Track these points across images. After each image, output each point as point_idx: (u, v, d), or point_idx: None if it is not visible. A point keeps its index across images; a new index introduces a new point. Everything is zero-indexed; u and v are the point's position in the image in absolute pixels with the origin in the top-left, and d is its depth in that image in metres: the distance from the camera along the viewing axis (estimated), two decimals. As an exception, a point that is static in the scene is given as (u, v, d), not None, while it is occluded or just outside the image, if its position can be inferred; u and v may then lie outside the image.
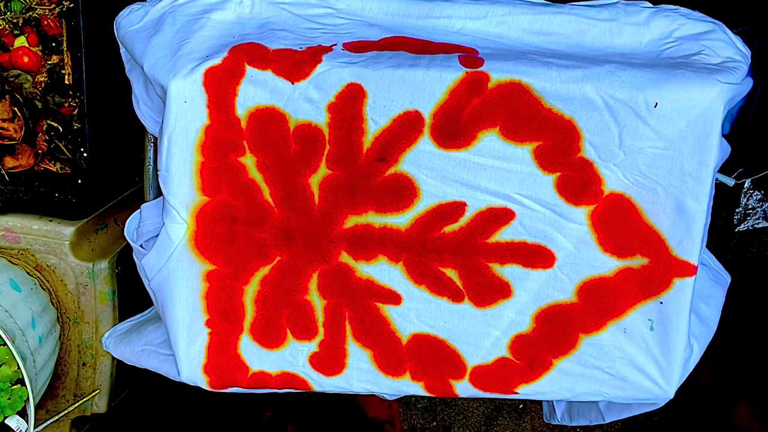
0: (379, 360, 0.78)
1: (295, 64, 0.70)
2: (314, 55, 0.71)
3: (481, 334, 0.77)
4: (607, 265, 0.74)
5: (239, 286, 0.77)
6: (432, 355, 0.77)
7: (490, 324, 0.76)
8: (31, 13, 0.86)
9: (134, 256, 0.81)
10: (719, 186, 0.78)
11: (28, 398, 0.80)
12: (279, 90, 0.71)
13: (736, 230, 1.39)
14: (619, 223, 0.73)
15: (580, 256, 0.74)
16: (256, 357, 0.78)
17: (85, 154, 0.89)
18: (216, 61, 0.71)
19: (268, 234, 0.75)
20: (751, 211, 1.38)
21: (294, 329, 0.78)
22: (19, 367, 0.78)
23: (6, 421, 0.80)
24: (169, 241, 0.74)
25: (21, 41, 0.88)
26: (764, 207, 1.37)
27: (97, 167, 0.90)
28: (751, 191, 1.38)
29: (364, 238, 0.75)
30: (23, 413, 0.81)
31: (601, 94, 0.69)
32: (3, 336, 0.78)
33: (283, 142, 0.72)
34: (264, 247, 0.76)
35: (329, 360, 0.78)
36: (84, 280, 0.93)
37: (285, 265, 0.76)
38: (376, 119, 0.71)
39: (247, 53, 0.71)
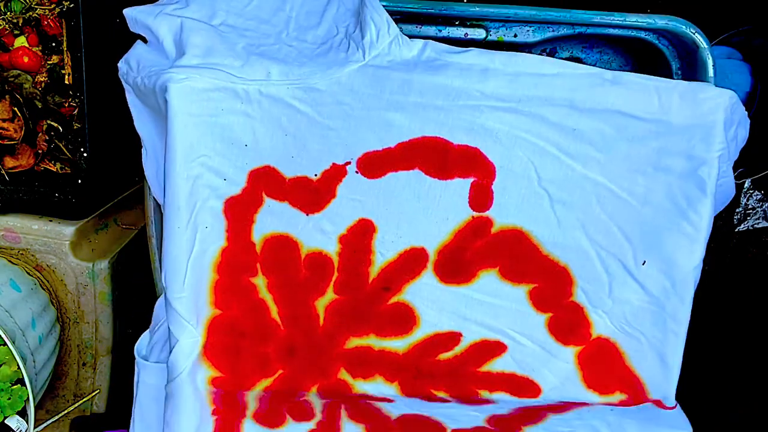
0: (370, 430, 0.82)
1: (311, 196, 0.74)
2: (329, 184, 0.73)
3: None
4: (588, 399, 0.80)
5: (242, 392, 0.80)
6: (419, 426, 0.81)
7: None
8: (31, 13, 0.87)
9: (139, 374, 0.82)
10: (719, 186, 0.77)
11: (28, 398, 0.80)
12: (294, 220, 0.74)
13: (736, 230, 1.39)
14: (604, 365, 0.78)
15: (565, 390, 0.79)
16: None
17: (85, 154, 0.89)
18: (235, 190, 0.73)
19: (272, 349, 0.79)
20: (751, 211, 1.38)
21: (294, 416, 0.81)
22: (19, 367, 0.79)
23: (6, 421, 0.80)
24: (183, 354, 0.77)
25: (21, 41, 0.88)
26: (764, 207, 1.37)
27: (97, 167, 0.91)
28: (751, 191, 1.38)
29: (364, 359, 0.79)
30: (23, 413, 0.82)
31: (594, 247, 0.74)
32: (3, 336, 0.78)
33: (294, 267, 0.76)
34: (268, 360, 0.80)
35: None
36: (84, 280, 0.93)
37: (287, 378, 0.80)
38: (384, 252, 0.75)
39: (265, 183, 0.73)
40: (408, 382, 0.80)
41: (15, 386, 0.81)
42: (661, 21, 0.80)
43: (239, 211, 0.74)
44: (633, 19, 0.80)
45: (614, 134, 0.75)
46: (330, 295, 0.77)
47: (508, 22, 0.83)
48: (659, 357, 0.77)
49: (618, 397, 0.79)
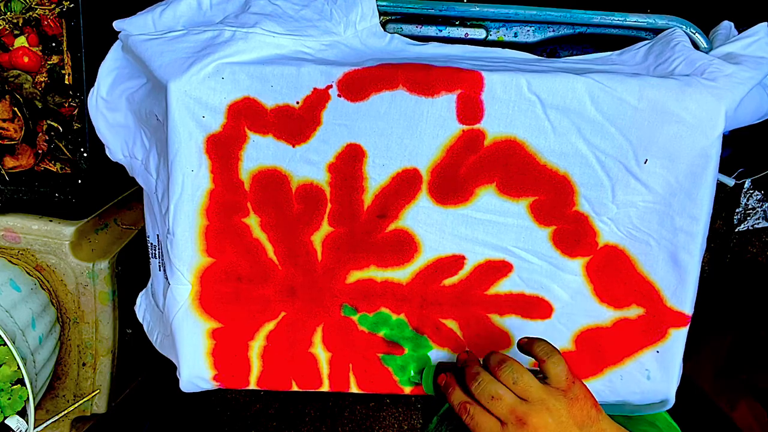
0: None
1: (295, 126, 0.72)
2: (313, 111, 0.71)
3: None
4: (604, 315, 0.78)
5: (245, 342, 0.80)
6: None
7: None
8: (31, 13, 0.87)
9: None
10: (719, 186, 0.78)
11: (28, 398, 0.80)
12: (280, 152, 0.73)
13: (736, 230, 1.39)
14: (614, 274, 0.76)
15: (577, 306, 0.78)
16: None
17: (85, 154, 0.89)
18: (215, 128, 0.72)
19: (272, 291, 0.78)
20: (751, 211, 1.38)
21: (299, 381, 0.82)
22: (19, 367, 0.79)
23: (6, 421, 0.80)
24: (174, 301, 0.77)
25: (21, 41, 0.88)
26: (764, 207, 1.37)
27: (97, 167, 0.91)
28: (751, 191, 1.39)
29: (367, 292, 0.78)
30: (23, 413, 0.82)
31: (592, 150, 0.71)
32: (3, 336, 0.78)
33: (286, 202, 0.75)
34: (269, 303, 0.79)
35: None
36: (84, 280, 0.93)
37: (290, 319, 0.79)
38: (376, 177, 0.73)
39: (246, 116, 0.72)
40: (414, 312, 0.78)
41: (15, 386, 0.81)
42: (661, 21, 0.80)
43: (223, 150, 0.72)
44: (633, 19, 0.80)
45: (607, 54, 0.78)
46: (325, 228, 0.75)
47: (509, 22, 0.83)
48: (671, 258, 0.74)
49: (635, 311, 0.77)
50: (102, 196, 1.00)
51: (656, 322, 0.77)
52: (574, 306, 0.77)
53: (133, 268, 1.00)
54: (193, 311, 0.78)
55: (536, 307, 0.78)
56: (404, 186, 0.73)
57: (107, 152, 0.83)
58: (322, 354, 0.80)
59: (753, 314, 1.30)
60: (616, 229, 0.74)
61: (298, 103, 0.71)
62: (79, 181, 0.91)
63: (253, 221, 0.75)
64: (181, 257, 0.76)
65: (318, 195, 0.74)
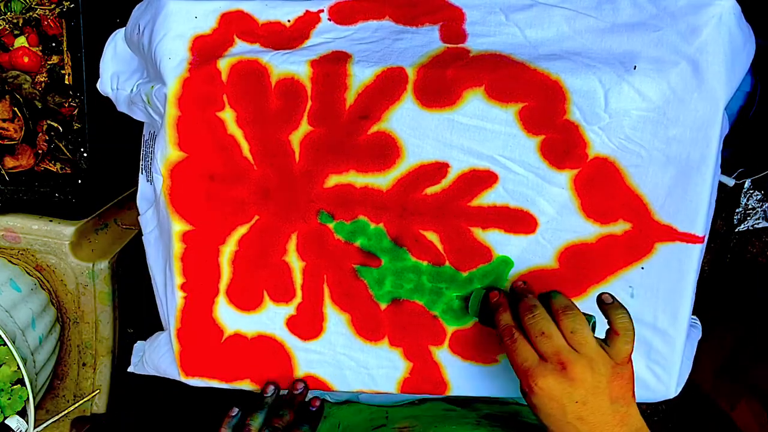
0: (356, 324, 0.78)
1: (284, 40, 0.73)
2: (302, 29, 0.73)
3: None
4: (588, 230, 0.74)
5: (215, 246, 0.77)
6: (411, 321, 0.77)
7: (470, 289, 0.76)
8: (31, 13, 0.87)
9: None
10: (719, 186, 0.78)
11: (28, 398, 0.80)
12: (264, 52, 0.73)
13: (736, 230, 1.39)
14: (602, 188, 0.73)
15: (562, 221, 0.74)
16: (232, 319, 0.79)
17: (85, 154, 0.89)
18: (205, 29, 0.72)
19: (246, 192, 0.75)
20: (751, 211, 1.38)
21: (271, 292, 0.78)
22: (19, 368, 0.79)
23: (6, 421, 0.80)
24: (152, 193, 0.77)
25: (21, 41, 0.88)
26: (764, 207, 1.37)
27: (97, 167, 0.91)
28: (751, 191, 1.39)
29: (345, 198, 0.75)
30: (23, 413, 0.81)
31: (579, 59, 0.70)
32: (3, 336, 0.78)
33: (264, 97, 0.72)
34: (242, 205, 0.76)
35: (307, 323, 0.78)
36: (84, 280, 0.93)
37: (263, 224, 0.76)
38: (359, 74, 0.71)
39: (237, 25, 0.73)
40: (393, 222, 0.75)
41: (15, 386, 0.81)
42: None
43: (207, 50, 0.72)
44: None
45: None
46: (305, 128, 0.73)
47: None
48: (661, 169, 0.71)
49: (621, 226, 0.73)
50: (102, 196, 1.00)
51: (642, 236, 0.73)
52: (559, 221, 0.74)
53: (133, 268, 1.00)
54: (165, 209, 0.75)
55: (520, 222, 0.74)
56: (389, 85, 0.71)
57: (98, 85, 0.82)
58: (296, 263, 0.77)
59: (753, 314, 1.30)
60: (607, 139, 0.71)
61: (289, 21, 0.72)
62: (79, 181, 0.91)
63: (228, 115, 0.73)
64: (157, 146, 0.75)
65: (298, 90, 0.72)
